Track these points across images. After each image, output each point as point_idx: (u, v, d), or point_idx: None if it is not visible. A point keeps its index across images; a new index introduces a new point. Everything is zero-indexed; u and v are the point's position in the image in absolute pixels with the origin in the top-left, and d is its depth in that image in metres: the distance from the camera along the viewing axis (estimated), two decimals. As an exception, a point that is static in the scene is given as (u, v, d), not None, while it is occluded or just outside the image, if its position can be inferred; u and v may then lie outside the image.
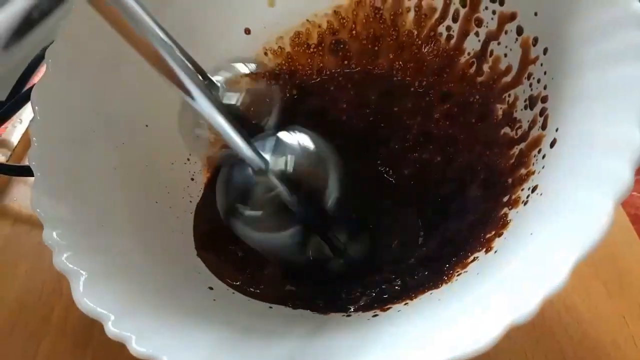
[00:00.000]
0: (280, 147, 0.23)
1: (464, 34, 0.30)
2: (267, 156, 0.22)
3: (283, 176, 0.22)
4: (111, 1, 0.15)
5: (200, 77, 0.26)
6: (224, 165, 0.24)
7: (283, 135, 0.23)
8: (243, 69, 0.29)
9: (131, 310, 0.21)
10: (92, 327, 0.27)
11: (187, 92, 0.18)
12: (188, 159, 0.32)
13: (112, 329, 0.20)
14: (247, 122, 0.27)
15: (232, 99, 0.28)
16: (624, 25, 0.20)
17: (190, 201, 0.30)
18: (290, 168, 0.22)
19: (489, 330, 0.17)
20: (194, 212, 0.30)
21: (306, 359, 0.19)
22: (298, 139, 0.23)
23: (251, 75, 0.29)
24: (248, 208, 0.23)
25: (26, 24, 0.13)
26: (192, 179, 0.31)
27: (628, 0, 0.20)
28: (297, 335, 0.21)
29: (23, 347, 0.27)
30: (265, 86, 0.29)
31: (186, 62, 0.21)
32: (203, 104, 0.18)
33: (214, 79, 0.27)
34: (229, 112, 0.27)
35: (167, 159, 0.31)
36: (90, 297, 0.21)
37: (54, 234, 0.23)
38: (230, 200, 0.23)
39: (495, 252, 0.22)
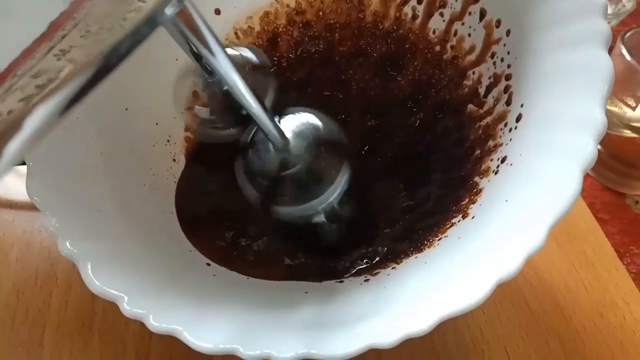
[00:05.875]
0: (297, 126, 0.24)
1: (428, 14, 0.32)
2: (287, 134, 0.23)
3: (301, 153, 0.23)
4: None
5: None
6: (241, 146, 0.25)
7: (296, 115, 0.24)
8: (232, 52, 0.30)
9: (141, 290, 0.22)
10: (93, 307, 0.28)
11: (224, 69, 0.19)
12: (168, 141, 0.32)
13: (128, 308, 0.21)
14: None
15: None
16: (582, 13, 0.23)
17: (175, 182, 0.31)
18: (308, 146, 0.23)
19: (479, 288, 0.20)
20: (175, 195, 0.31)
21: (326, 324, 0.21)
22: (308, 118, 0.24)
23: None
24: (265, 182, 0.24)
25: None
26: (174, 160, 0.32)
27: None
28: (308, 303, 0.23)
29: (28, 334, 0.27)
30: (259, 65, 0.29)
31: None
32: (236, 82, 0.19)
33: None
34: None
35: (148, 141, 0.31)
36: (100, 279, 0.22)
37: (54, 220, 0.23)
38: (251, 177, 0.24)
39: (473, 217, 0.25)
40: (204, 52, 0.18)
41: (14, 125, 0.11)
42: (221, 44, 0.18)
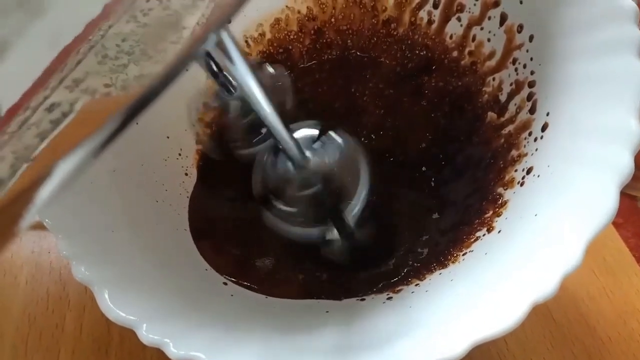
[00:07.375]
0: (313, 141, 0.23)
1: (445, 19, 0.31)
2: (306, 152, 0.22)
3: (320, 172, 0.22)
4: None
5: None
6: (258, 157, 0.24)
7: (310, 129, 0.24)
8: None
9: (159, 314, 0.22)
10: (109, 330, 0.27)
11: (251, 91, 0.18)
12: (179, 154, 0.31)
13: (147, 335, 0.20)
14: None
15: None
16: (611, 19, 0.22)
17: (187, 197, 0.30)
18: (328, 165, 0.23)
19: (512, 311, 0.19)
20: (188, 211, 0.30)
21: (353, 347, 0.20)
22: (329, 134, 0.24)
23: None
24: (282, 202, 0.23)
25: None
26: (186, 174, 0.31)
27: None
28: (332, 324, 0.22)
29: (42, 361, 0.27)
30: (275, 75, 0.28)
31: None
32: (259, 100, 0.19)
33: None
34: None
35: (159, 155, 0.30)
36: (117, 305, 0.21)
37: (67, 244, 0.22)
38: (266, 192, 0.23)
39: (500, 231, 0.24)
40: (231, 68, 0.17)
41: (45, 173, 0.10)
42: (248, 62, 0.17)
